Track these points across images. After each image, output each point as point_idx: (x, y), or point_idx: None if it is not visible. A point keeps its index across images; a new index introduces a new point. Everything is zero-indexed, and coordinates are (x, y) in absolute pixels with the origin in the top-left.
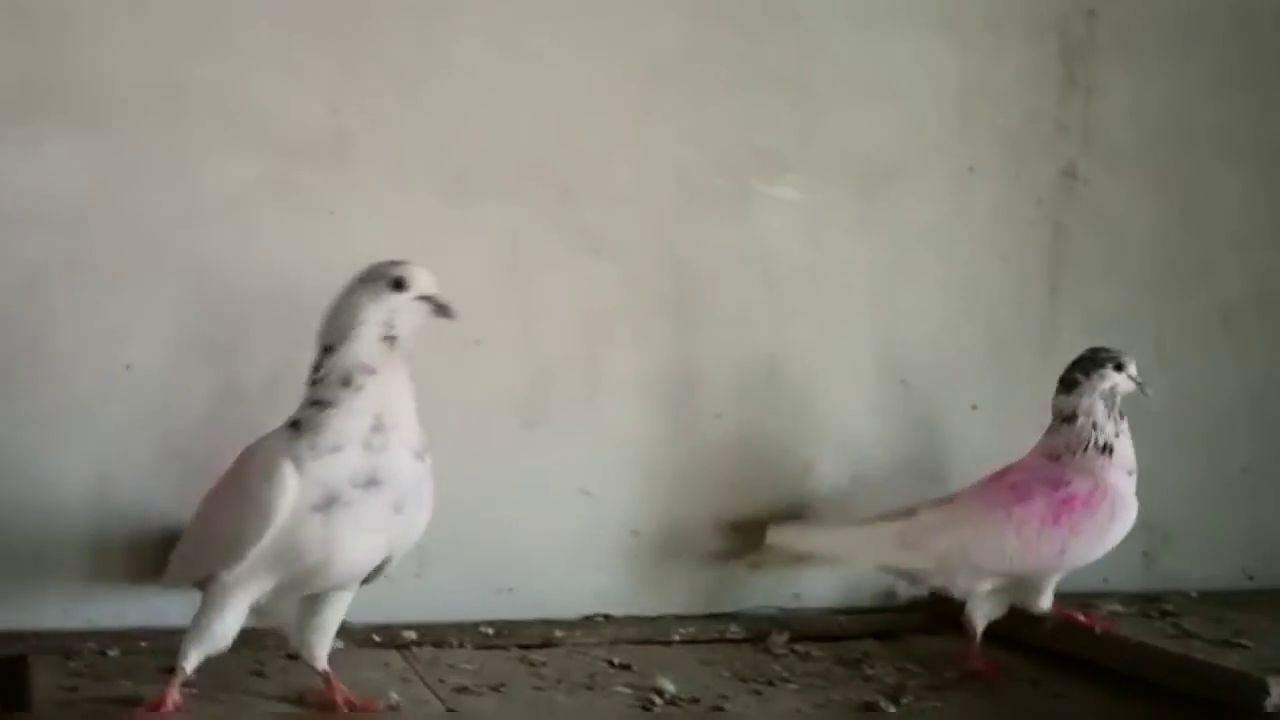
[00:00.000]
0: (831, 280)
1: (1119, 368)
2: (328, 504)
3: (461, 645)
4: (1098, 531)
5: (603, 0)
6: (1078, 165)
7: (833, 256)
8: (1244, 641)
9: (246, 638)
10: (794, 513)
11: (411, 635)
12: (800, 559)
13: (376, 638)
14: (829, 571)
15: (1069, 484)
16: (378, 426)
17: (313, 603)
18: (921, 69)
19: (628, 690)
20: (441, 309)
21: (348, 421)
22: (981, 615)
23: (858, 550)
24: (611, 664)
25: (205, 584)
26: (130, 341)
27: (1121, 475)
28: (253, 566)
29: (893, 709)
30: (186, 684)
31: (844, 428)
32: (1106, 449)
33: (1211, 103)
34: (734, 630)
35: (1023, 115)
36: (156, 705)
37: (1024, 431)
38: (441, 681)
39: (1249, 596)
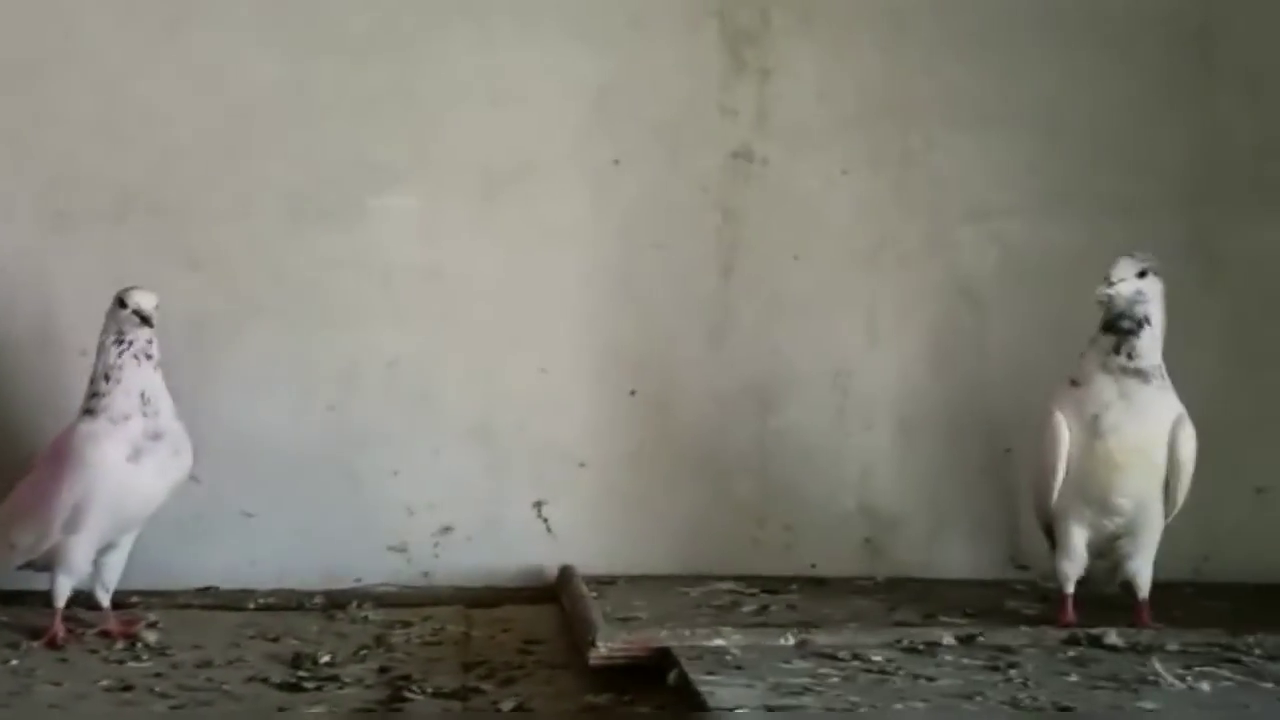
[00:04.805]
0: (452, 281)
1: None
2: (135, 455)
3: None
4: None
5: (201, 48)
6: (753, 147)
7: (454, 258)
8: None
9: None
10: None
11: None
12: None
13: None
14: None
15: None
16: (146, 399)
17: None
18: (550, 73)
19: None
20: (144, 319)
21: (123, 400)
22: None
23: None
24: None
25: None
26: None
27: None
28: (87, 523)
29: None
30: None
31: (472, 419)
32: None
33: (926, 75)
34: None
35: (677, 104)
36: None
37: (686, 417)
38: None
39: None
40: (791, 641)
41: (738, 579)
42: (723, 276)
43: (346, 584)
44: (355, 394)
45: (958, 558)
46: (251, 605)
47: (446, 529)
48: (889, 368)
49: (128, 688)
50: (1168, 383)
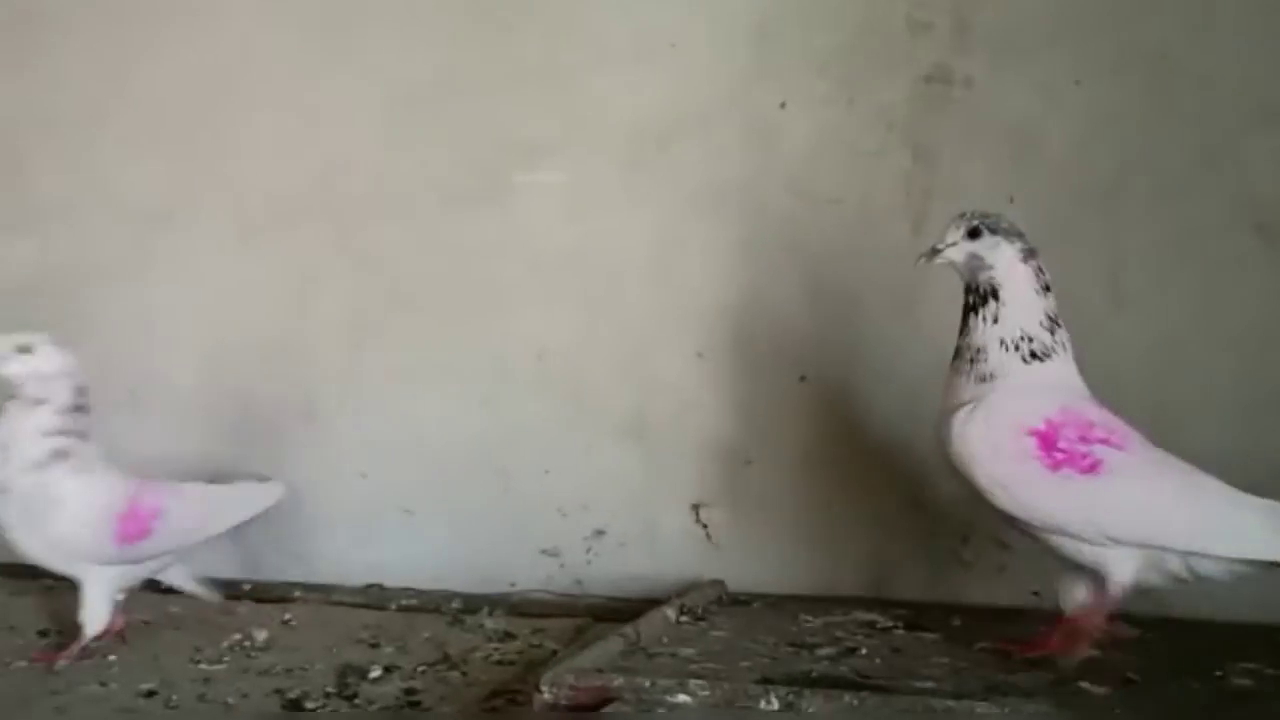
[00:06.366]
0: (602, 261)
1: None
2: None
3: None
4: None
5: (360, 47)
6: (951, 66)
7: (603, 235)
8: None
9: None
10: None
11: None
12: None
13: None
14: None
15: None
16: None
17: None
18: (702, 16)
19: None
20: None
21: None
22: None
23: None
24: None
25: None
26: None
27: None
28: None
29: None
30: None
31: (624, 412)
32: None
33: None
34: None
35: (854, 27)
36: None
37: (869, 406)
38: None
39: None
40: (775, 705)
41: (893, 606)
42: (914, 231)
43: (501, 588)
44: (506, 388)
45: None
46: (393, 606)
47: (599, 533)
48: (1140, 336)
49: (151, 694)
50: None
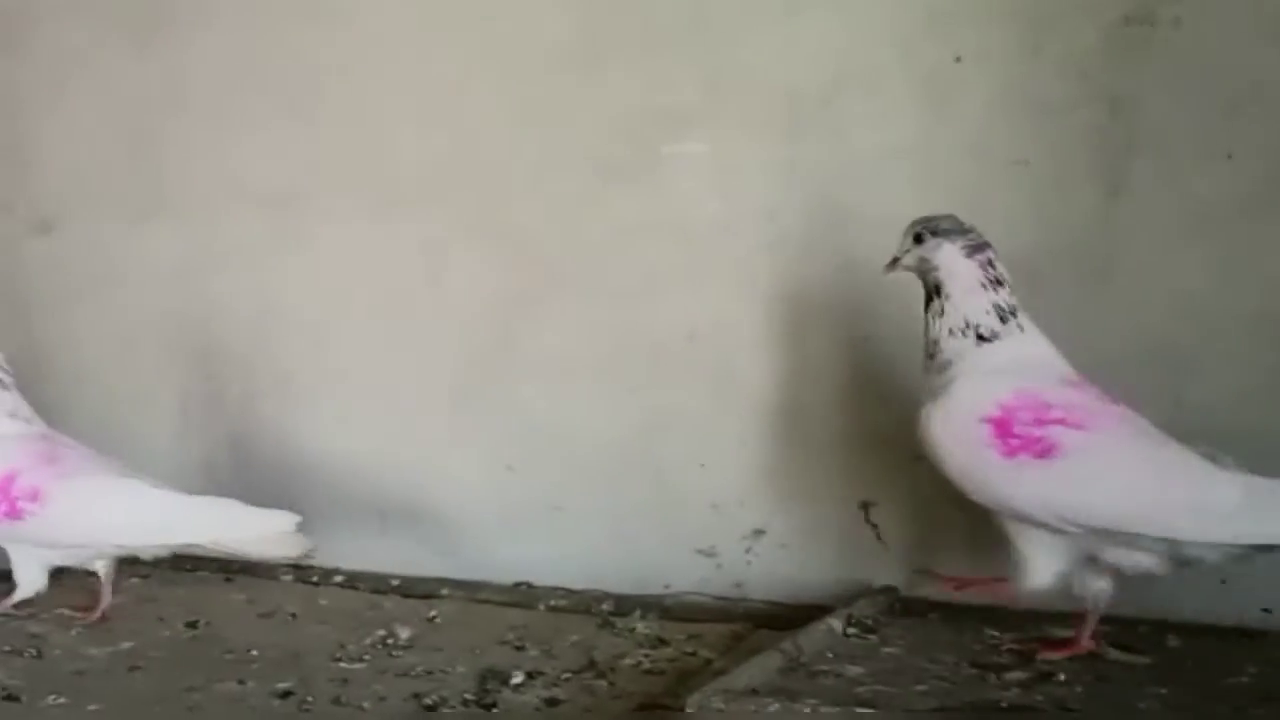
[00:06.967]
0: (753, 235)
1: None
2: None
3: None
4: None
5: (490, 19)
6: (1154, 7)
7: (755, 206)
8: None
9: None
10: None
11: None
12: None
13: None
14: None
15: None
16: None
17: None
18: None
19: None
20: None
21: None
22: None
23: None
24: None
25: None
26: None
27: None
28: None
29: None
30: None
31: (782, 400)
32: None
33: None
34: None
35: None
36: None
37: None
38: None
39: None
40: None
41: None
42: (1111, 194)
43: (655, 589)
44: (655, 374)
45: None
46: (541, 606)
47: (758, 532)
48: None
49: (287, 694)
50: None
